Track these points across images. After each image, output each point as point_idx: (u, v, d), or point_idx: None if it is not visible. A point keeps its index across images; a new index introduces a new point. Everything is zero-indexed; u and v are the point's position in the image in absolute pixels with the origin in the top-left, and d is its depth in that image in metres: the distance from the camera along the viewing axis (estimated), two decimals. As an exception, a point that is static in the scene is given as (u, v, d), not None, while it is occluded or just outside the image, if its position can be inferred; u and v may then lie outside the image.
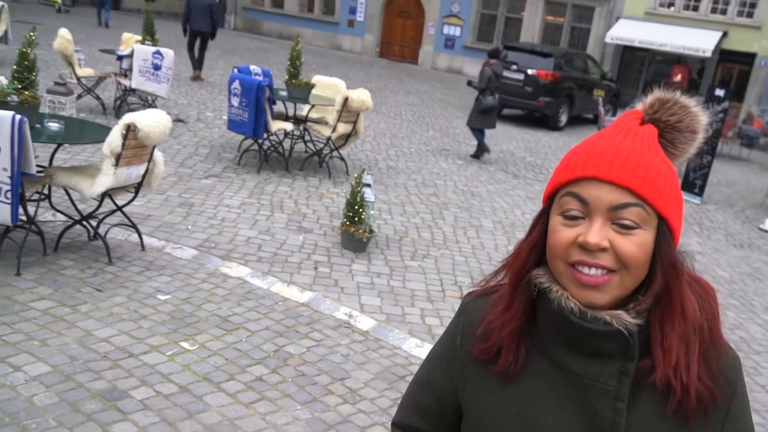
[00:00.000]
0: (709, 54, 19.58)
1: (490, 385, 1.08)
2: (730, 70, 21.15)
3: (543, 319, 1.04)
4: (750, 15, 19.87)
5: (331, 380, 3.63)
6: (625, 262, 0.94)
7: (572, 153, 1.03)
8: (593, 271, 0.95)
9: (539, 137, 13.30)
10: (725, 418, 1.01)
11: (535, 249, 1.04)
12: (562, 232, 0.97)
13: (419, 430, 1.22)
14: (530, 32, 22.84)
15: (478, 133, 10.02)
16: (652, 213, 0.96)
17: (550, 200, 1.03)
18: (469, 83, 10.54)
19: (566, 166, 1.01)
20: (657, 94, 1.04)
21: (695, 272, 1.05)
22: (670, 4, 20.90)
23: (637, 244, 0.94)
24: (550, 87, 13.94)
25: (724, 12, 20.17)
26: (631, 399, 0.98)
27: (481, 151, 10.07)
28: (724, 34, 19.91)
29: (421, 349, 4.10)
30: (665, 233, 0.97)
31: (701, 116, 1.03)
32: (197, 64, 12.92)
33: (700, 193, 9.87)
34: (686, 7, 20.66)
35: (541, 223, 1.04)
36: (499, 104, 9.76)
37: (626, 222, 0.94)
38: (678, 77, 21.26)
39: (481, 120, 9.86)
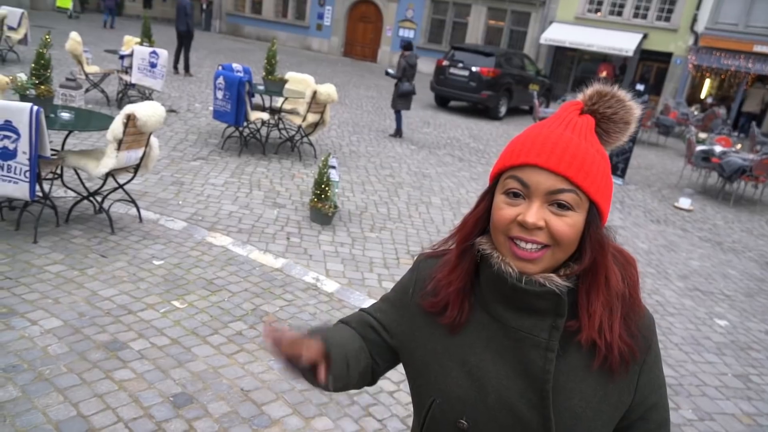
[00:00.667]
0: (631, 53, 19.76)
1: (437, 334, 1.06)
2: (649, 67, 21.35)
3: (485, 280, 1.02)
4: (668, 19, 20.10)
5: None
6: (558, 239, 0.94)
7: (518, 140, 1.00)
8: (529, 246, 0.94)
9: (482, 126, 13.30)
10: (641, 369, 1.01)
11: (479, 222, 1.03)
12: (504, 210, 0.96)
13: (353, 328, 1.17)
14: (475, 34, 22.85)
15: (398, 114, 10.23)
16: (584, 198, 0.95)
17: (495, 180, 1.02)
18: (387, 73, 10.70)
19: (512, 152, 0.98)
20: (597, 87, 1.01)
21: (619, 245, 1.05)
22: (597, 10, 20.98)
23: (569, 224, 0.93)
24: (491, 82, 13.87)
25: (644, 17, 20.37)
26: (561, 351, 0.97)
27: (398, 132, 10.32)
28: (645, 36, 20.11)
29: (377, 308, 4.20)
30: (595, 215, 0.96)
31: (635, 109, 1.01)
32: (185, 63, 12.80)
33: (623, 175, 9.85)
34: (611, 12, 20.81)
35: (486, 200, 1.03)
36: (414, 89, 10.06)
37: (561, 202, 0.93)
38: (604, 74, 21.49)
39: (400, 103, 10.07)
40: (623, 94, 1.01)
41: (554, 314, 0.96)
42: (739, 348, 4.64)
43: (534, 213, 0.93)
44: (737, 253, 7.17)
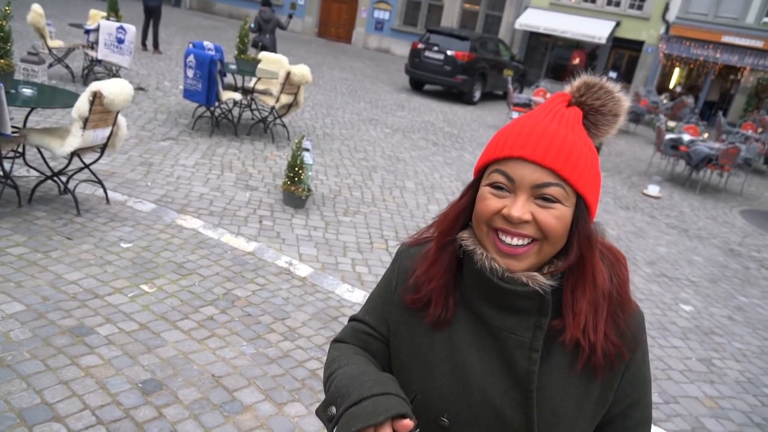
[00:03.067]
0: (604, 41, 19.95)
1: (421, 329, 1.04)
2: (621, 55, 21.57)
3: (468, 276, 1.00)
4: (640, 8, 20.31)
5: (273, 320, 3.64)
6: (546, 233, 0.91)
7: (503, 132, 0.97)
8: (516, 240, 0.92)
9: (456, 110, 13.28)
10: (627, 367, 0.99)
11: (462, 215, 1.00)
12: (489, 200, 0.93)
13: (351, 344, 1.15)
14: (450, 18, 22.78)
15: None
16: (571, 191, 0.92)
17: (480, 173, 0.99)
18: (250, 28, 11.07)
19: (496, 145, 0.96)
20: (584, 78, 0.98)
21: (608, 242, 1.02)
22: (572, -4, 21.19)
23: (556, 217, 0.91)
24: (466, 66, 13.81)
25: (617, 4, 20.56)
26: (545, 350, 0.95)
27: None
28: (617, 24, 20.32)
29: (351, 294, 4.12)
30: (582, 209, 0.94)
31: (624, 101, 0.97)
32: (154, 41, 12.48)
33: None
34: (586, -1, 21.02)
35: (470, 193, 1.00)
36: (267, 43, 10.75)
37: (547, 195, 0.91)
38: (577, 60, 21.74)
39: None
40: (612, 86, 0.98)
41: (538, 313, 0.94)
42: (703, 333, 4.76)
43: (519, 207, 0.90)
44: (702, 240, 7.34)
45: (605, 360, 0.95)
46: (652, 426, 3.19)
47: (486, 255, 0.95)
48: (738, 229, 8.23)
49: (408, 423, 0.89)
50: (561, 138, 0.92)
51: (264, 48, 10.36)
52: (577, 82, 0.99)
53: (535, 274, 0.94)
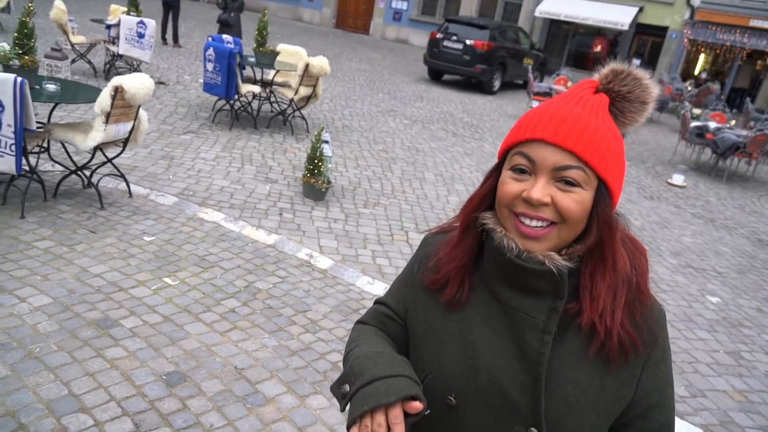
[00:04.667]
0: (626, 27, 19.65)
1: (437, 309, 1.05)
2: (644, 41, 21.23)
3: (487, 256, 1.00)
4: (663, -7, 19.96)
5: (294, 312, 3.65)
6: (564, 216, 0.91)
7: (526, 116, 0.98)
8: (534, 222, 0.92)
9: (475, 100, 13.18)
10: (645, 364, 0.97)
11: (486, 198, 1.01)
12: (510, 185, 0.94)
13: (372, 325, 1.18)
14: (469, 7, 22.57)
15: None
16: (593, 175, 0.92)
17: (503, 157, 0.99)
18: (217, 4, 11.93)
19: (519, 128, 0.96)
20: (612, 65, 0.98)
21: (630, 232, 1.02)
22: (593, -17, 20.84)
23: (576, 201, 0.91)
24: (485, 56, 13.69)
25: (640, -10, 20.24)
26: (558, 335, 0.94)
27: None
28: (640, 10, 19.97)
29: (372, 286, 4.12)
30: (603, 194, 0.93)
31: (652, 88, 0.97)
32: (174, 35, 12.61)
33: None
34: (607, -15, 20.65)
35: (494, 176, 1.00)
36: (227, 19, 11.36)
37: (568, 179, 0.90)
38: (599, 48, 21.43)
39: (223, 31, 11.02)
40: (640, 73, 0.97)
41: (554, 295, 0.93)
42: (731, 325, 4.67)
43: (539, 189, 0.90)
44: (729, 230, 7.20)
45: (619, 348, 0.94)
46: (679, 419, 3.11)
47: (505, 234, 0.96)
48: (767, 219, 8.06)
49: (418, 405, 0.90)
50: (584, 121, 0.92)
51: (226, 24, 11.30)
52: (605, 69, 0.98)
53: (553, 254, 0.93)
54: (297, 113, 7.87)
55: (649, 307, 0.98)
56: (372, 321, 1.18)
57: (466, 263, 1.02)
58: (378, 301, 1.21)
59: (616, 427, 0.99)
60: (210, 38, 7.74)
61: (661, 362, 0.99)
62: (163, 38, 12.59)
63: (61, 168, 4.88)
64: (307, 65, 7.17)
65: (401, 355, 1.06)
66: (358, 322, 1.20)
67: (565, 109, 0.93)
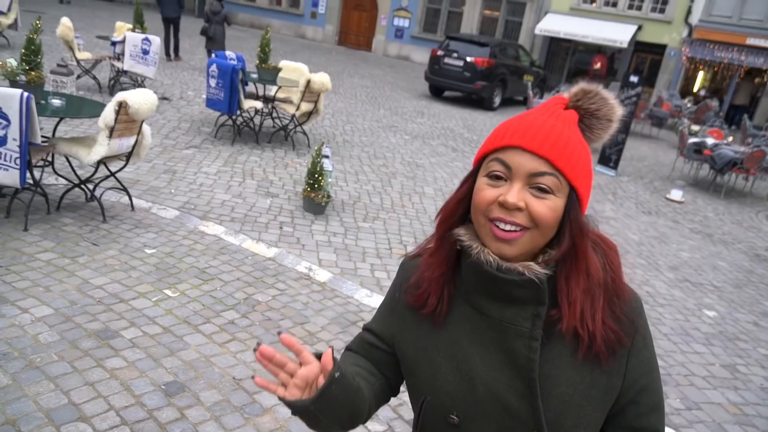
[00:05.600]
0: (625, 45, 19.73)
1: (424, 331, 1.07)
2: (643, 59, 21.28)
3: (466, 271, 1.02)
4: (662, 11, 20.04)
5: (293, 324, 3.68)
6: (537, 222, 0.93)
7: (502, 125, 1.01)
8: (508, 227, 0.94)
9: (476, 116, 13.26)
10: (629, 352, 1.00)
11: (460, 203, 1.03)
12: (486, 191, 0.96)
13: (357, 353, 1.20)
14: (470, 24, 22.78)
15: (208, 53, 11.69)
16: (565, 182, 0.95)
17: (479, 164, 1.02)
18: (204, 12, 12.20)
19: (496, 136, 0.99)
20: (582, 85, 1.03)
21: (600, 232, 1.05)
22: (592, 1, 20.91)
23: (548, 207, 0.93)
24: (486, 72, 13.79)
25: (639, 8, 20.32)
26: (546, 340, 0.97)
27: None
28: (639, 28, 20.07)
29: (370, 299, 4.15)
30: (574, 200, 0.97)
31: (617, 108, 1.02)
32: (174, 48, 12.83)
33: (615, 167, 9.87)
34: (606, 3, 20.75)
35: (469, 182, 1.02)
36: (205, 30, 11.80)
37: (542, 186, 0.93)
38: (598, 65, 21.54)
39: (207, 43, 11.90)
40: (607, 93, 1.02)
41: (535, 303, 0.96)
42: (727, 339, 4.68)
43: (515, 193, 0.93)
44: (727, 245, 7.22)
45: (607, 347, 0.97)
46: (674, 431, 3.10)
47: (482, 249, 0.98)
48: (764, 234, 8.08)
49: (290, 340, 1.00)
50: (558, 132, 0.96)
51: (210, 38, 11.76)
52: (574, 88, 1.03)
53: (531, 263, 0.96)
54: (298, 128, 7.94)
55: (627, 299, 1.02)
56: (357, 348, 1.21)
57: (445, 272, 1.05)
58: (365, 328, 1.23)
59: (609, 416, 1.03)
60: (213, 55, 7.84)
61: (643, 348, 1.02)
62: (167, 54, 12.76)
63: (64, 181, 4.94)
64: (308, 81, 7.25)
65: (388, 376, 1.15)
66: (347, 348, 1.24)
67: (540, 119, 0.97)
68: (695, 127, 11.88)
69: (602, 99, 1.01)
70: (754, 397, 3.90)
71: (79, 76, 8.74)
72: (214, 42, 11.82)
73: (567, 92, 1.04)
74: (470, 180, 1.03)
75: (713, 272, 6.16)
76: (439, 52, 14.39)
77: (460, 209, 1.04)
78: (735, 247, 7.22)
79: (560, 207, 0.96)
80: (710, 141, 10.26)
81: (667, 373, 3.97)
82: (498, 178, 0.96)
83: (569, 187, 0.96)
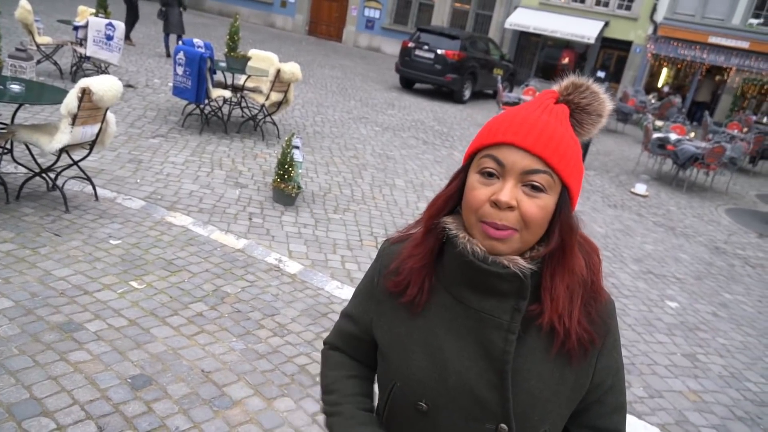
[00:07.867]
0: (593, 41, 20.00)
1: (400, 317, 1.07)
2: (610, 55, 21.61)
3: (449, 260, 1.02)
4: (628, 8, 20.37)
5: (262, 316, 3.65)
6: (527, 222, 0.93)
7: (495, 120, 1.00)
8: (500, 226, 0.94)
9: (446, 109, 13.29)
10: (599, 352, 1.02)
11: (450, 199, 1.03)
12: (478, 190, 0.95)
13: (342, 351, 1.23)
14: (440, 17, 22.79)
15: (166, 36, 12.19)
16: (557, 180, 0.95)
17: (470, 159, 1.00)
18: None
19: (488, 131, 0.98)
20: (572, 79, 1.02)
21: (584, 233, 1.06)
22: (561, -4, 21.26)
23: (539, 206, 0.93)
24: (456, 65, 13.82)
25: (606, 4, 20.60)
26: (522, 334, 0.98)
27: (168, 53, 11.99)
28: (606, 24, 20.37)
29: (341, 290, 4.13)
30: (566, 199, 0.97)
31: (608, 102, 1.01)
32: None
33: (582, 160, 10.14)
34: (575, -1, 21.11)
35: (459, 179, 1.02)
36: (160, 13, 11.87)
37: (535, 184, 0.93)
38: (566, 60, 21.82)
39: (164, 26, 12.05)
40: (597, 87, 1.02)
41: (516, 296, 0.96)
42: (688, 329, 4.82)
43: (508, 192, 0.92)
44: (688, 238, 7.41)
45: (579, 346, 0.99)
46: (637, 419, 3.20)
47: (468, 239, 0.97)
48: (723, 227, 8.33)
49: None
50: (551, 129, 0.95)
51: (167, 21, 11.87)
52: (565, 82, 1.03)
53: (516, 257, 0.96)
54: (268, 119, 7.83)
55: (603, 302, 1.04)
56: (341, 344, 1.22)
57: (427, 264, 1.04)
58: (344, 314, 1.23)
59: (573, 413, 1.06)
60: (181, 42, 7.68)
61: (612, 349, 1.05)
62: (128, 38, 12.44)
63: (24, 170, 4.78)
64: (278, 71, 7.15)
65: (375, 368, 1.17)
66: (328, 342, 1.25)
67: (533, 116, 0.96)
68: (659, 123, 12.15)
69: (593, 93, 1.01)
70: (713, 385, 4.03)
71: (39, 62, 8.43)
72: (171, 25, 11.97)
73: (557, 86, 1.04)
74: (460, 176, 1.02)
75: (675, 264, 6.32)
76: (410, 44, 14.36)
77: (449, 205, 1.04)
78: (696, 240, 7.42)
79: (551, 205, 0.96)
80: (673, 136, 10.50)
81: (630, 363, 4.06)
82: (490, 175, 0.95)
83: (561, 185, 0.96)
